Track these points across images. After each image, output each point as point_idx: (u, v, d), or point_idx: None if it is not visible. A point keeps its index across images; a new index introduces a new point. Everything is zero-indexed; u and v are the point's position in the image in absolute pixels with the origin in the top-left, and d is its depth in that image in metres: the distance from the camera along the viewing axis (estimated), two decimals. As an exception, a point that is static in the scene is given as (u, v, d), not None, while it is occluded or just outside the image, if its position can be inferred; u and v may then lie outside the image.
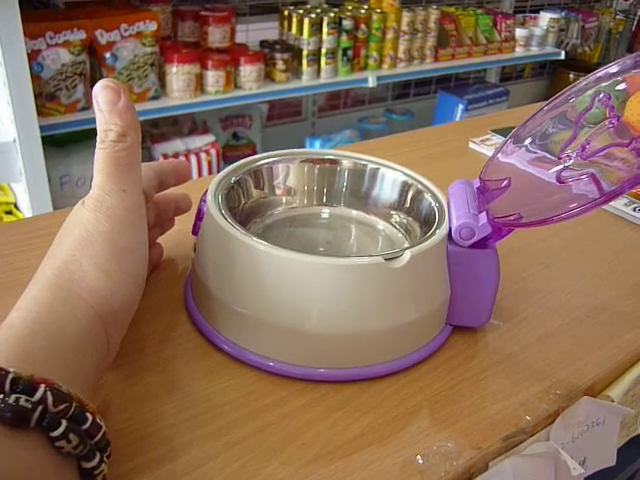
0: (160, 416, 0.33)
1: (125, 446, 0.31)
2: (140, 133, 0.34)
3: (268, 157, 0.44)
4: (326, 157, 0.46)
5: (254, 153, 1.87)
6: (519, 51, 2.37)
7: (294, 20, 1.82)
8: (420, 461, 0.31)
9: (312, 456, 0.31)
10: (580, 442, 0.38)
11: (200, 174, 1.74)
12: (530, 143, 0.39)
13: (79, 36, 1.42)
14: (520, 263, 0.49)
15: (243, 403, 0.34)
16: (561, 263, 0.50)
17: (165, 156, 1.70)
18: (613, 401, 0.38)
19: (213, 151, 1.77)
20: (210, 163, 1.76)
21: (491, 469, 0.33)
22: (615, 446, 0.41)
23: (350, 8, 1.94)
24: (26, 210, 1.42)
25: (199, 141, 1.79)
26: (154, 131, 1.79)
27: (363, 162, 0.45)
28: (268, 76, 1.80)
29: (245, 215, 0.43)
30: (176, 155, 1.72)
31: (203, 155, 1.75)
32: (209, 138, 1.81)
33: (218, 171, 1.76)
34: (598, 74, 0.38)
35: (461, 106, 2.33)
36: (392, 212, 0.45)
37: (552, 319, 0.43)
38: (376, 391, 0.35)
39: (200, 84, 1.65)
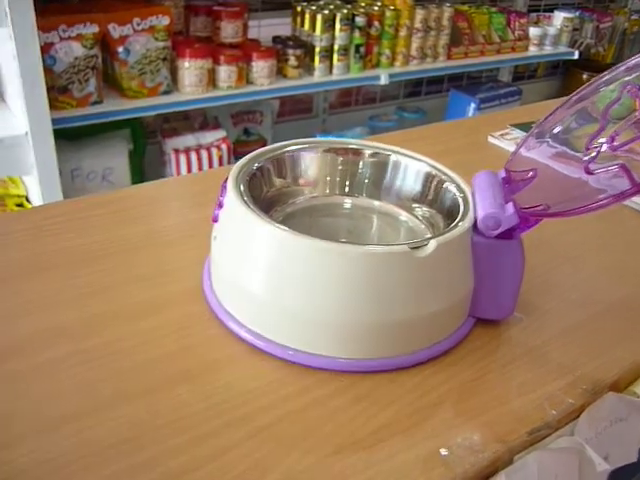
0: (180, 404, 0.32)
1: (145, 434, 0.30)
2: None
3: (291, 145, 0.44)
4: (349, 147, 0.45)
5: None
6: (532, 50, 2.35)
7: (307, 16, 1.81)
8: (444, 453, 0.31)
9: (335, 447, 0.31)
10: (603, 438, 0.38)
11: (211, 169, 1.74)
12: (552, 138, 0.39)
13: (92, 30, 1.42)
14: (542, 257, 0.48)
15: (265, 392, 0.34)
16: (582, 257, 0.49)
17: (176, 151, 1.70)
18: (639, 397, 0.37)
19: (224, 146, 1.77)
20: (221, 158, 1.75)
21: (516, 463, 0.32)
22: (638, 443, 0.40)
23: (363, 5, 1.93)
24: (37, 203, 1.42)
25: (210, 136, 1.78)
26: (165, 126, 1.78)
27: (386, 152, 0.45)
28: (280, 72, 1.79)
29: (267, 203, 0.42)
30: (187, 150, 1.71)
31: (214, 150, 1.74)
32: (220, 133, 1.80)
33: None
34: (628, 64, 0.37)
35: (473, 105, 2.31)
36: (415, 204, 0.44)
37: (574, 313, 0.42)
38: (399, 382, 0.35)
39: (212, 79, 1.65)
